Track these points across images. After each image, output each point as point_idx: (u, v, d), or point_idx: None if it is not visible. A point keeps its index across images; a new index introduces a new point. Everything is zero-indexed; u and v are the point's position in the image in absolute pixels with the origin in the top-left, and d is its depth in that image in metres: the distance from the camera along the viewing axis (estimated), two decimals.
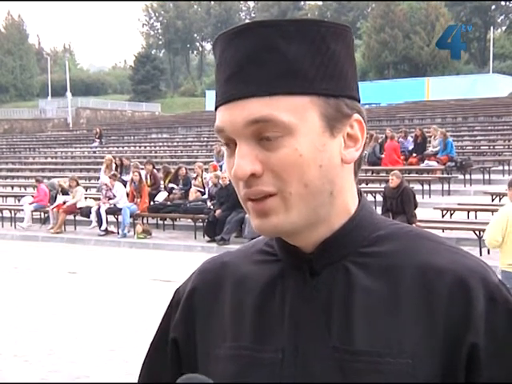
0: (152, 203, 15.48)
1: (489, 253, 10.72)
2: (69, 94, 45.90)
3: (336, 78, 0.90)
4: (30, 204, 16.81)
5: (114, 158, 18.72)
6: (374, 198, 13.96)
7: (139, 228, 14.42)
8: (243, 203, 0.92)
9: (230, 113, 0.89)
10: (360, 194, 0.98)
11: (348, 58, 0.92)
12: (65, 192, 16.34)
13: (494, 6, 66.11)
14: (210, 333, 1.00)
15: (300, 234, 0.92)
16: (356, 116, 0.92)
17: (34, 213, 16.92)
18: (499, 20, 69.26)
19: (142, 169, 16.34)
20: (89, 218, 15.61)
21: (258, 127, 0.87)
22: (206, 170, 16.11)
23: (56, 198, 16.37)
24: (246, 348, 0.95)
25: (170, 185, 15.87)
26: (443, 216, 12.78)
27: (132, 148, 29.66)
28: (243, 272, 1.01)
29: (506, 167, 17.51)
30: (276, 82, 0.87)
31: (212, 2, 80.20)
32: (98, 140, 30.94)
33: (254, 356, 0.94)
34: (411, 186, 13.32)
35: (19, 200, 18.54)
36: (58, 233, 15.63)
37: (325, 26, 0.90)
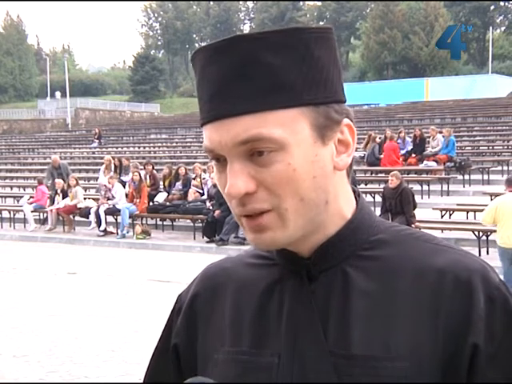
0: (151, 204, 15.48)
1: (488, 253, 10.74)
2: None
3: (323, 85, 0.88)
4: (30, 204, 16.78)
5: (113, 158, 18.72)
6: (373, 198, 13.96)
7: (138, 228, 14.41)
8: (237, 219, 0.91)
9: (217, 133, 0.87)
10: (358, 195, 0.97)
11: (332, 62, 0.90)
12: (65, 195, 16.28)
13: (493, 7, 66.11)
14: (210, 338, 1.00)
15: (296, 243, 0.92)
16: (346, 121, 0.91)
17: (33, 213, 16.90)
18: (498, 20, 69.27)
19: (142, 169, 16.34)
20: (88, 218, 15.60)
21: (248, 146, 0.85)
22: (205, 170, 16.11)
23: (54, 198, 16.36)
24: (243, 353, 0.95)
25: (177, 184, 15.82)
26: (442, 216, 12.79)
27: (131, 148, 29.66)
28: (242, 277, 1.01)
29: (505, 167, 17.52)
30: (263, 98, 0.85)
31: (211, 3, 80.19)
32: (97, 140, 30.96)
33: (252, 360, 0.94)
34: (410, 186, 13.32)
35: (18, 201, 18.54)
36: (69, 232, 15.72)
37: (307, 32, 0.88)
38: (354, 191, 0.98)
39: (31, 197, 17.38)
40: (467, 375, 0.87)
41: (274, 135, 0.85)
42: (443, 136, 17.53)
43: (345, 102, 0.93)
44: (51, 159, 19.33)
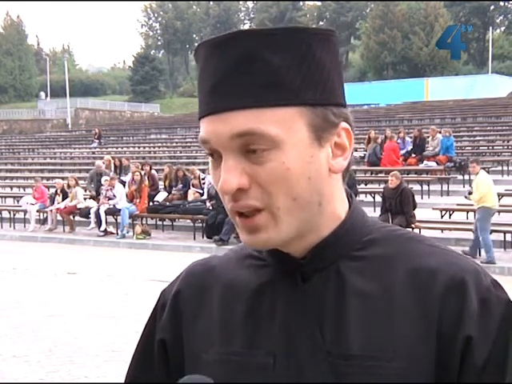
0: (151, 204, 15.49)
1: None
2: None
3: (322, 87, 0.88)
4: (34, 204, 16.74)
5: (113, 158, 18.73)
6: (373, 198, 13.95)
7: (138, 228, 14.42)
8: (231, 216, 0.91)
9: (214, 125, 0.87)
10: (350, 196, 0.97)
11: (334, 64, 0.90)
12: (65, 195, 16.27)
13: (492, 7, 66.09)
14: (197, 336, 0.99)
15: (289, 244, 0.91)
16: (343, 124, 0.91)
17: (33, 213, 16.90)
18: (498, 20, 69.23)
19: (141, 169, 16.35)
20: (88, 218, 15.61)
21: (244, 140, 0.85)
22: (203, 171, 16.13)
23: (54, 199, 16.36)
24: (235, 353, 0.94)
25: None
26: (442, 216, 12.79)
27: (131, 148, 29.67)
28: (232, 276, 1.00)
29: (505, 167, 17.52)
30: (261, 94, 0.85)
31: (211, 3, 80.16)
32: (97, 140, 30.97)
33: (245, 360, 0.93)
34: (410, 186, 13.32)
35: (18, 201, 18.53)
36: (69, 232, 15.71)
37: (310, 32, 0.88)
38: (347, 192, 0.97)
39: (36, 198, 17.33)
40: (463, 373, 0.87)
41: (270, 132, 0.85)
42: (443, 136, 17.50)
43: (344, 105, 0.92)
44: (95, 164, 18.03)
